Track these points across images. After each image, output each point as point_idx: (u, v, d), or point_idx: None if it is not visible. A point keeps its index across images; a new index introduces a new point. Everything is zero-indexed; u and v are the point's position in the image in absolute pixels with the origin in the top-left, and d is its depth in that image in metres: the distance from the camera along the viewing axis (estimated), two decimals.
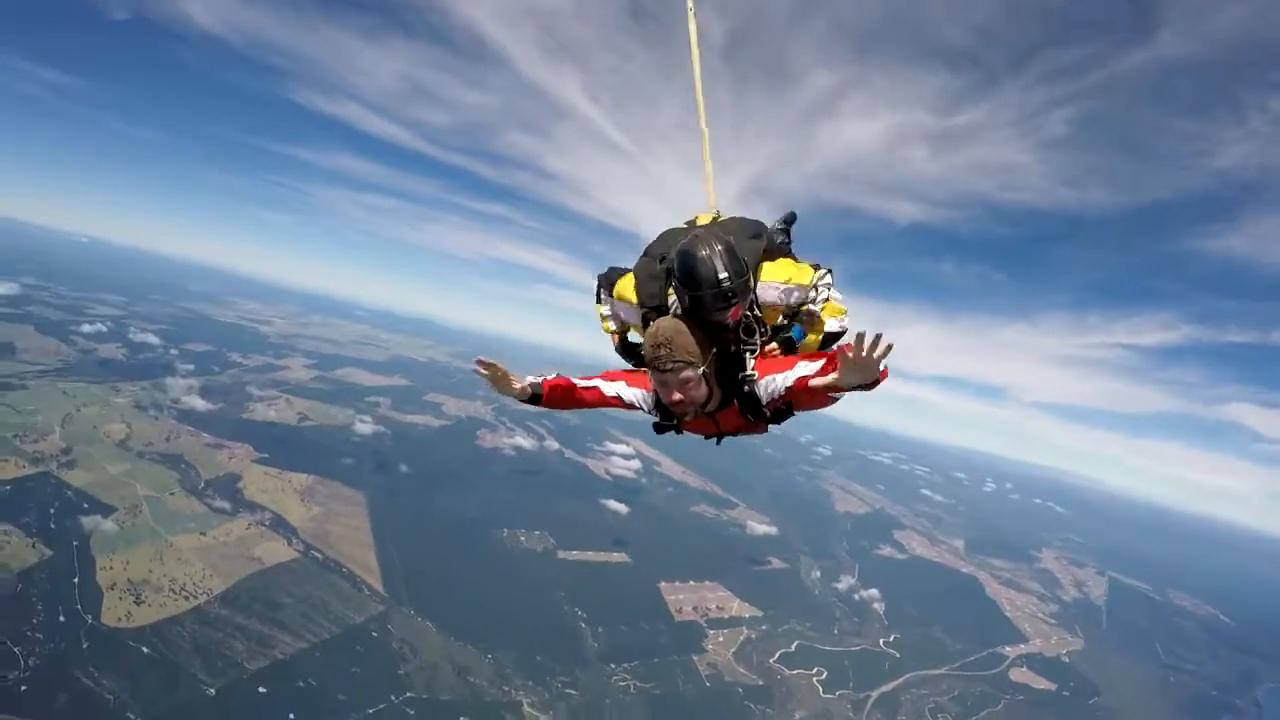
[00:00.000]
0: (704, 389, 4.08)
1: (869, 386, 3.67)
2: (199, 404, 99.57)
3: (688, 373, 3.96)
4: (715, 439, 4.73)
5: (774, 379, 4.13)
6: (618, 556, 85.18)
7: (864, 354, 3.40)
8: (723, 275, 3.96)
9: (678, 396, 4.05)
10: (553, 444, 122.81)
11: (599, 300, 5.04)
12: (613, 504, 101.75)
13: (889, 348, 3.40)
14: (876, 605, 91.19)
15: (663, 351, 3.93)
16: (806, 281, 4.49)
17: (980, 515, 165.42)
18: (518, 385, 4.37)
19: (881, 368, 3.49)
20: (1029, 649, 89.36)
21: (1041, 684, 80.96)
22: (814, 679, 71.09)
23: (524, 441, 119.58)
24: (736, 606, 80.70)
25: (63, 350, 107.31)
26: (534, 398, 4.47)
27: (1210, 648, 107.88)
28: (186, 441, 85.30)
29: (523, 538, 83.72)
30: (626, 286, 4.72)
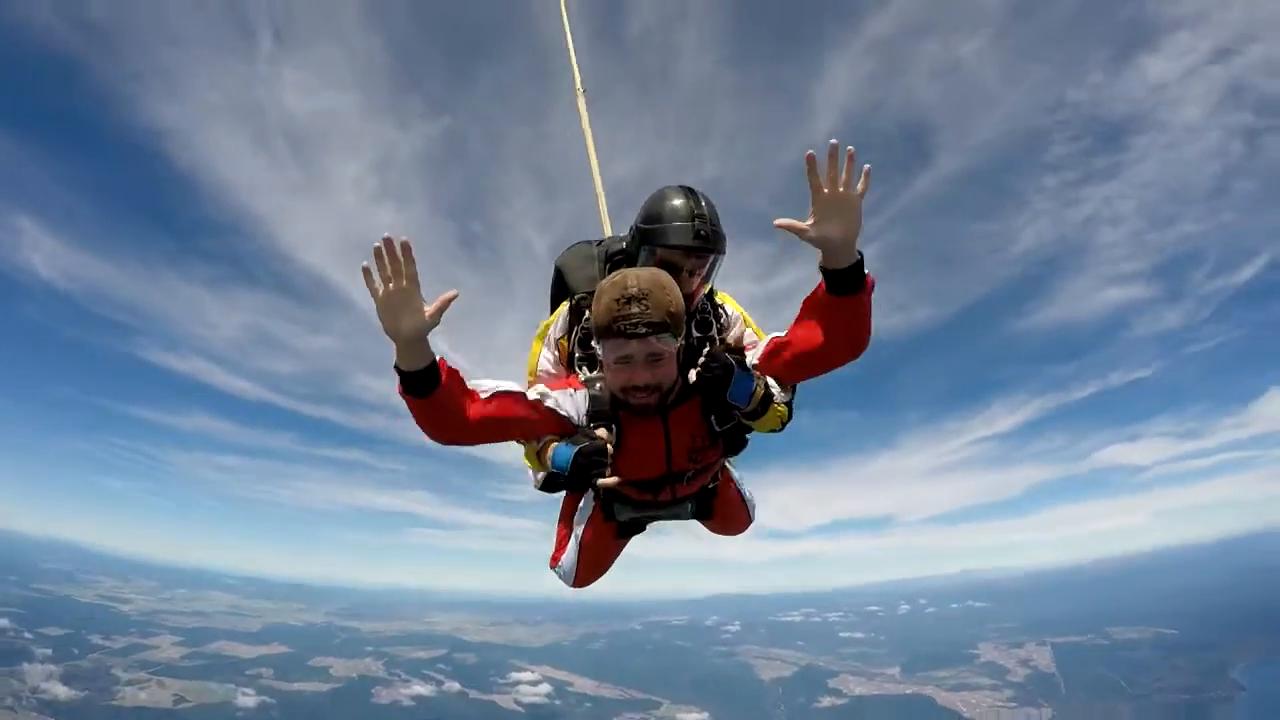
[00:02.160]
0: (672, 371, 3.29)
1: (852, 281, 2.91)
2: (61, 692, 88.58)
3: (665, 342, 3.10)
4: (656, 487, 3.69)
5: (744, 357, 3.48)
6: None
7: (835, 176, 2.74)
8: (702, 206, 3.49)
9: (644, 379, 3.19)
10: (453, 686, 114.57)
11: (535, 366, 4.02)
12: None
13: (865, 170, 2.76)
14: None
15: (635, 309, 3.02)
16: (745, 317, 4.06)
17: (905, 637, 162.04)
18: (418, 320, 2.83)
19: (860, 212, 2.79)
20: None
21: None
22: None
23: (422, 689, 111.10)
24: None
25: None
26: (424, 376, 2.92)
27: (1170, 661, 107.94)
28: None
29: None
30: (568, 257, 4.11)
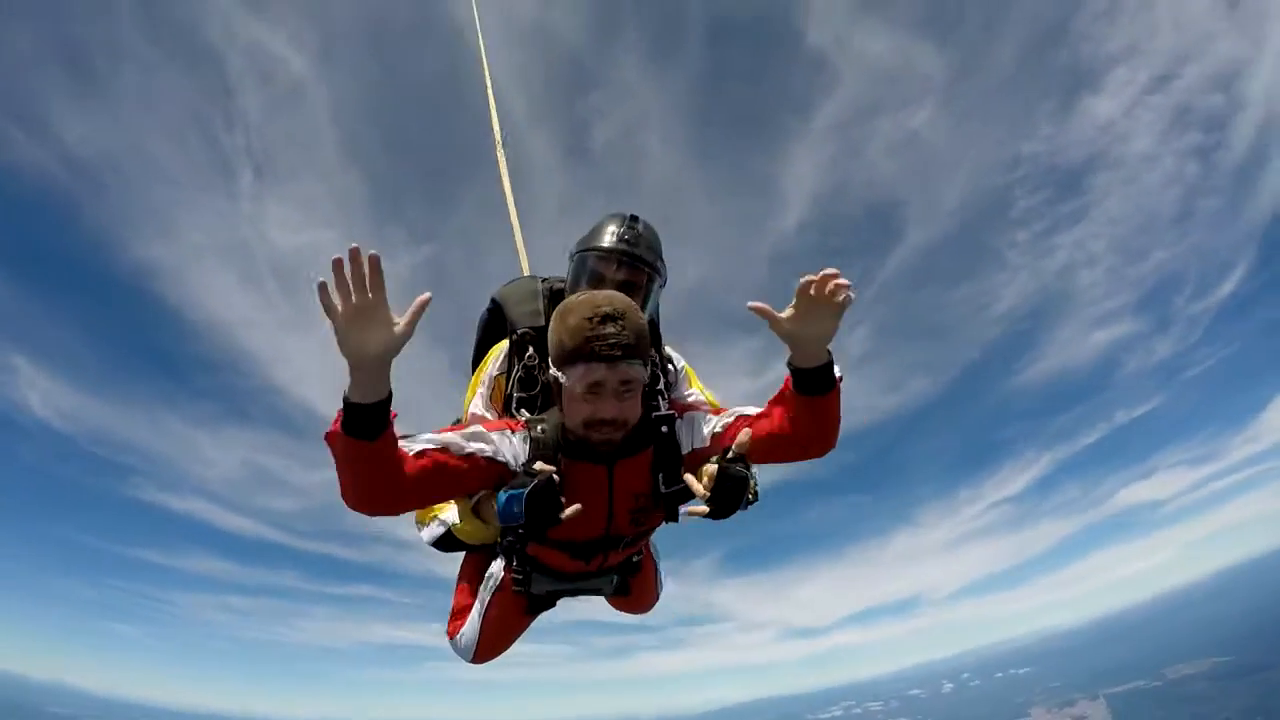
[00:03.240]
0: (639, 407, 2.98)
1: (820, 381, 2.92)
2: None
3: (637, 369, 2.90)
4: (588, 553, 3.06)
5: (703, 418, 3.02)
6: None
7: (821, 284, 2.84)
8: (636, 223, 3.25)
9: (612, 411, 2.93)
10: None
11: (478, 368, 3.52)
12: None
13: (850, 293, 2.89)
14: None
15: (610, 329, 2.87)
16: (693, 377, 3.65)
17: (953, 716, 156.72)
18: (386, 334, 2.77)
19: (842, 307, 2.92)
20: None
21: None
22: None
23: None
24: None
25: None
26: (376, 412, 2.82)
27: (1229, 689, 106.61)
28: None
29: None
30: (509, 290, 3.56)
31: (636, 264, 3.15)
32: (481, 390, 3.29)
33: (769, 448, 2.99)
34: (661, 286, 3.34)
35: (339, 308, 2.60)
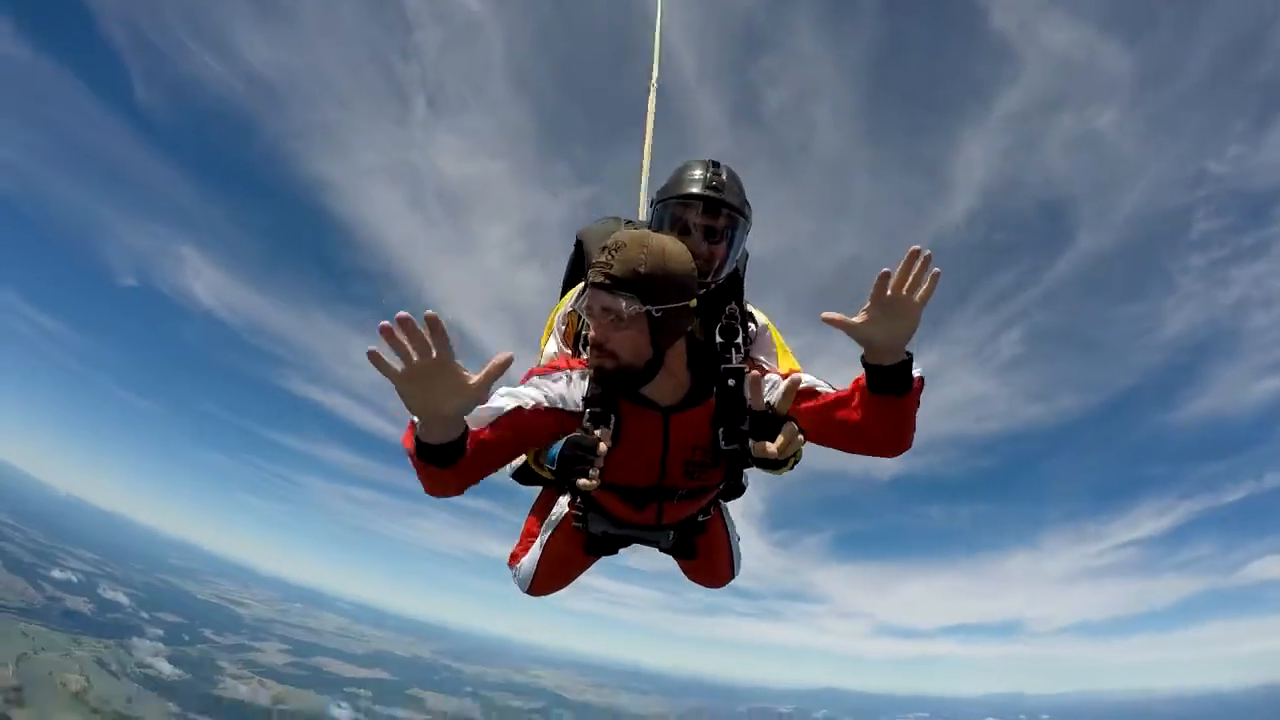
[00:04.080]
0: (638, 344, 2.70)
1: (896, 381, 2.56)
2: (166, 669, 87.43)
3: (625, 300, 2.61)
4: (642, 500, 3.11)
5: (773, 383, 2.94)
6: None
7: (900, 282, 2.44)
8: (719, 168, 3.13)
9: (598, 336, 2.70)
10: None
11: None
12: None
13: (935, 275, 2.44)
14: None
15: (604, 257, 2.68)
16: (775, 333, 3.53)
17: None
18: (460, 397, 2.41)
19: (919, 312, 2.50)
20: None
21: None
22: None
23: None
24: None
25: (29, 592, 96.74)
26: (451, 447, 2.45)
27: None
28: (150, 708, 73.72)
29: None
30: (589, 232, 3.66)
31: (718, 208, 3.08)
32: (557, 328, 3.45)
33: (835, 434, 2.85)
34: (746, 232, 3.22)
35: (398, 369, 2.39)
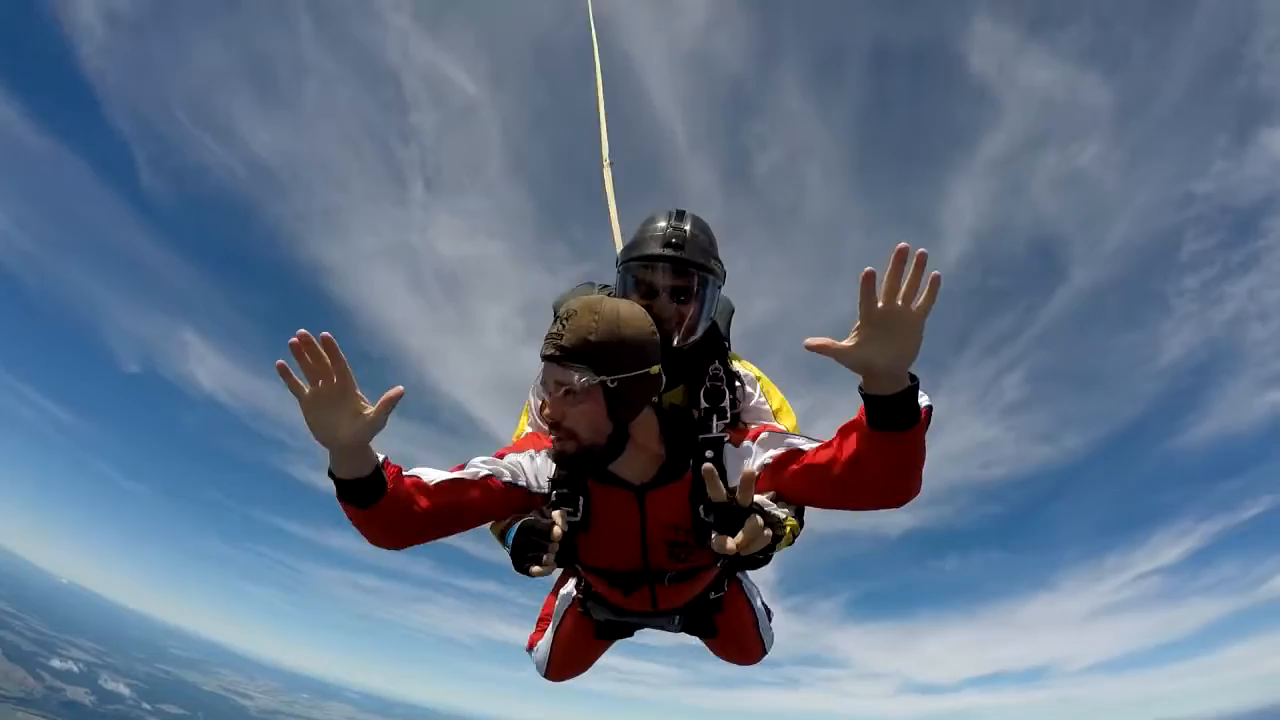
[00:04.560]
0: (595, 419, 2.48)
1: (900, 413, 2.22)
2: None
3: (578, 372, 2.40)
4: (629, 585, 2.90)
5: (753, 447, 2.65)
6: None
7: (895, 286, 2.18)
8: (682, 221, 2.93)
9: (553, 415, 2.50)
10: None
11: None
12: None
13: (934, 280, 2.17)
14: None
15: (554, 328, 2.48)
16: (767, 384, 3.17)
17: None
18: (357, 424, 2.30)
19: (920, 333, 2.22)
20: None
21: None
22: None
23: None
24: None
25: (28, 682, 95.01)
26: (366, 484, 2.33)
27: None
28: None
29: None
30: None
31: (684, 267, 2.84)
32: (531, 400, 3.21)
33: (831, 493, 2.41)
34: (719, 287, 3.00)
35: (305, 390, 2.31)
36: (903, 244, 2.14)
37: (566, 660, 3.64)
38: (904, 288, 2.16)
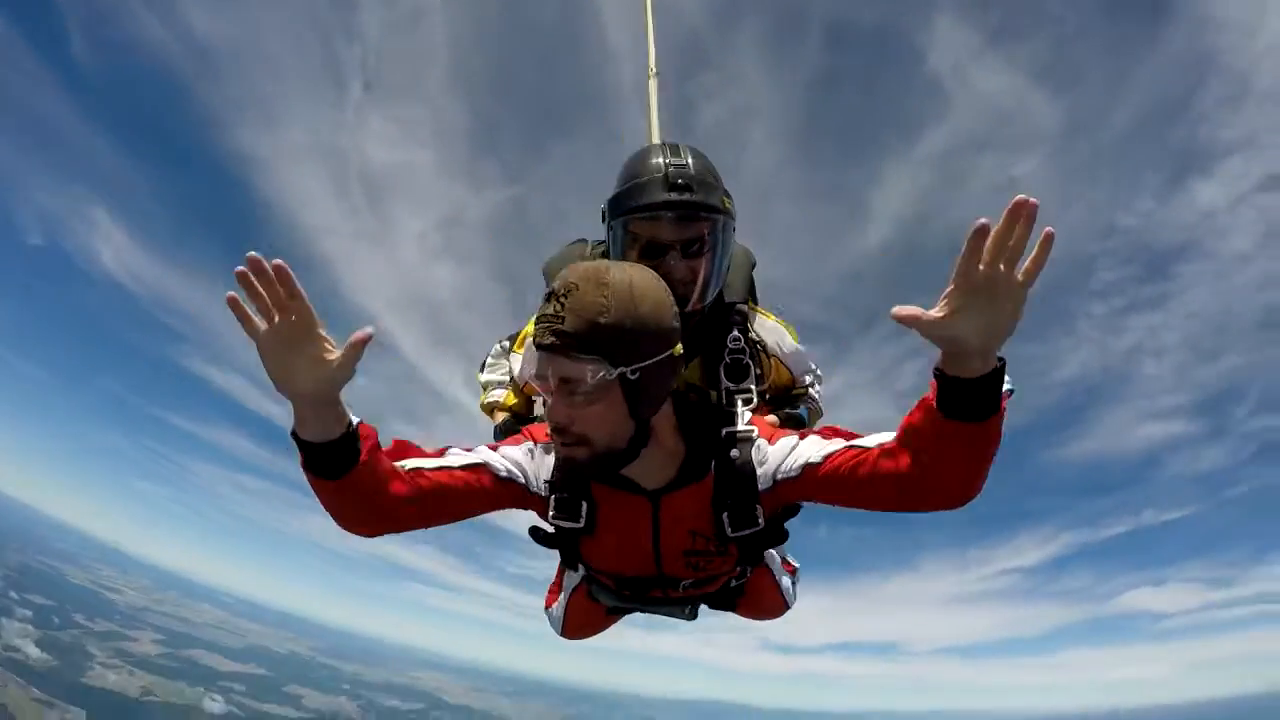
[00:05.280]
0: (614, 421, 2.09)
1: (982, 399, 1.76)
2: (34, 653, 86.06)
3: (587, 364, 1.97)
4: (641, 586, 2.67)
5: (792, 446, 2.27)
6: None
7: (1000, 251, 1.61)
8: (682, 155, 2.45)
9: (557, 416, 2.08)
10: None
11: (483, 369, 3.32)
12: None
13: (1047, 237, 1.63)
14: None
15: (550, 308, 2.01)
16: (796, 342, 2.93)
17: None
18: (320, 371, 1.86)
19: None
20: None
21: None
22: None
23: None
24: None
25: None
26: (336, 450, 1.95)
27: None
28: (13, 692, 73.09)
29: None
30: (554, 262, 3.01)
31: (695, 213, 2.34)
32: (514, 366, 2.89)
33: (882, 494, 2.09)
34: (732, 230, 2.50)
35: (260, 328, 1.83)
36: (1021, 196, 1.59)
37: (580, 627, 3.46)
38: (1011, 248, 1.62)
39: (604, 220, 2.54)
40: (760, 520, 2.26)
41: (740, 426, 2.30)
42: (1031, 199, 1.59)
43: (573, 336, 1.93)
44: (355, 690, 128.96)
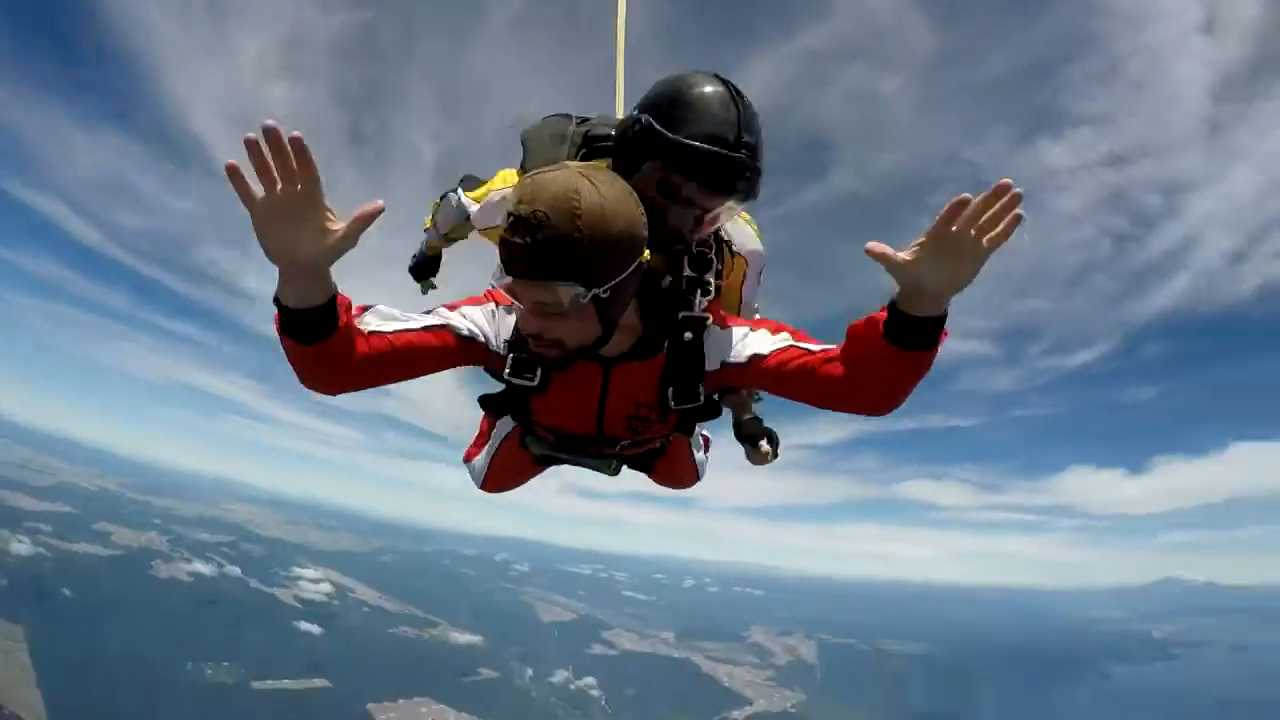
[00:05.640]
0: (585, 330, 2.21)
1: (925, 335, 2.01)
2: None
3: (558, 292, 2.02)
4: (579, 443, 2.86)
5: (743, 335, 2.47)
6: (318, 682, 76.29)
7: (976, 217, 1.82)
8: (752, 123, 2.30)
9: (532, 327, 2.17)
10: (234, 570, 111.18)
11: (441, 198, 3.31)
12: (305, 625, 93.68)
13: (1014, 218, 1.83)
14: (595, 694, 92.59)
15: (518, 237, 1.97)
16: (761, 245, 2.98)
17: (684, 608, 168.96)
18: (321, 242, 1.82)
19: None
20: (755, 709, 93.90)
21: None
22: None
23: (203, 568, 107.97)
24: (453, 718, 75.95)
25: None
26: (317, 316, 1.95)
27: (926, 677, 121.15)
28: None
29: (209, 671, 71.62)
30: (504, 176, 2.89)
31: (753, 190, 2.36)
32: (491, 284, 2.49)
33: (816, 393, 2.36)
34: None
35: (258, 197, 1.78)
36: (1007, 180, 1.79)
37: (503, 478, 3.52)
38: (986, 218, 1.81)
39: (634, 135, 2.36)
40: (701, 397, 2.49)
41: (696, 313, 2.43)
42: (1016, 188, 1.79)
43: (545, 267, 1.96)
44: (166, 525, 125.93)
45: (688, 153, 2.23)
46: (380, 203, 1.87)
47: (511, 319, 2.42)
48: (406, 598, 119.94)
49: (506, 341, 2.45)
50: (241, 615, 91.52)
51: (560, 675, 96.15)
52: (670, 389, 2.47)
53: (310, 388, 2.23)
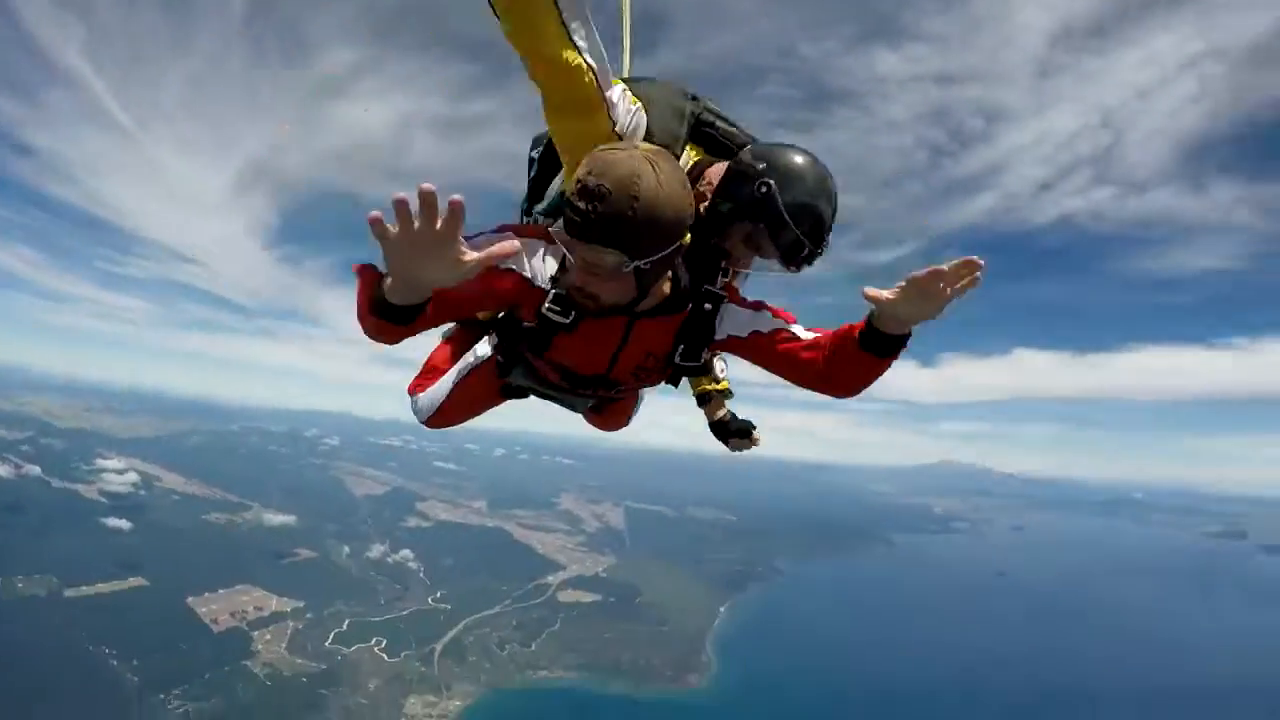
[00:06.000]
0: (621, 291, 2.49)
1: (894, 347, 2.57)
2: None
3: (607, 256, 2.28)
4: (579, 381, 3.05)
5: (750, 314, 2.85)
6: (133, 581, 74.63)
7: (942, 277, 2.22)
8: (834, 203, 2.67)
9: (577, 279, 2.45)
10: (34, 470, 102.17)
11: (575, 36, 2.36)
12: (114, 521, 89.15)
13: (974, 280, 2.24)
14: (413, 566, 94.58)
15: (582, 204, 2.21)
16: None
17: (495, 477, 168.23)
18: (449, 272, 1.94)
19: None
20: (568, 574, 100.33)
21: (588, 598, 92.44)
22: (375, 649, 71.09)
23: (1, 471, 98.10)
24: (275, 603, 76.76)
25: None
26: (412, 310, 2.20)
27: (728, 541, 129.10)
28: None
29: (20, 584, 69.07)
30: (653, 90, 2.84)
31: (811, 261, 2.70)
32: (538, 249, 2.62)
33: (796, 374, 2.86)
34: None
35: (392, 234, 1.81)
36: (975, 258, 2.21)
37: (458, 411, 3.53)
38: (955, 279, 2.23)
39: (755, 185, 2.58)
40: (702, 360, 2.91)
41: (718, 289, 2.79)
42: (981, 262, 2.19)
43: (598, 234, 2.21)
44: None
45: (793, 241, 2.61)
46: (517, 242, 2.11)
47: (552, 263, 2.63)
48: (215, 481, 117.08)
49: (553, 277, 2.63)
50: (47, 519, 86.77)
51: (377, 550, 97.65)
52: (680, 348, 2.84)
53: (378, 341, 2.45)
